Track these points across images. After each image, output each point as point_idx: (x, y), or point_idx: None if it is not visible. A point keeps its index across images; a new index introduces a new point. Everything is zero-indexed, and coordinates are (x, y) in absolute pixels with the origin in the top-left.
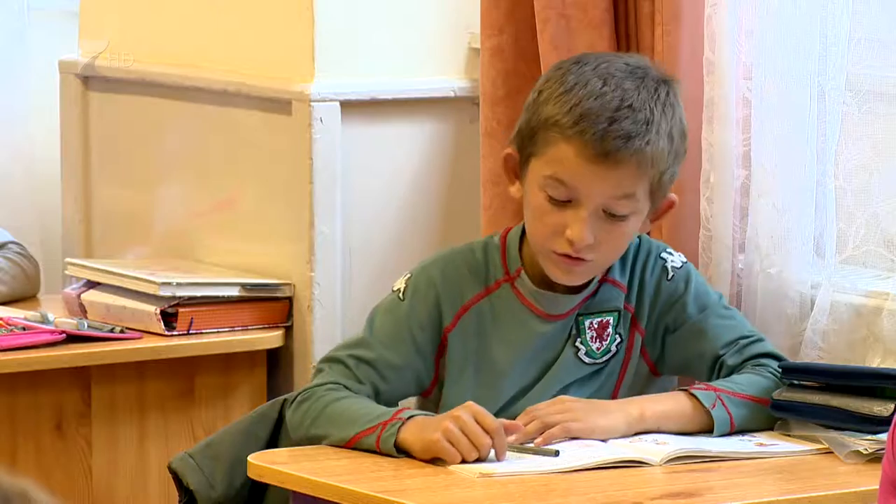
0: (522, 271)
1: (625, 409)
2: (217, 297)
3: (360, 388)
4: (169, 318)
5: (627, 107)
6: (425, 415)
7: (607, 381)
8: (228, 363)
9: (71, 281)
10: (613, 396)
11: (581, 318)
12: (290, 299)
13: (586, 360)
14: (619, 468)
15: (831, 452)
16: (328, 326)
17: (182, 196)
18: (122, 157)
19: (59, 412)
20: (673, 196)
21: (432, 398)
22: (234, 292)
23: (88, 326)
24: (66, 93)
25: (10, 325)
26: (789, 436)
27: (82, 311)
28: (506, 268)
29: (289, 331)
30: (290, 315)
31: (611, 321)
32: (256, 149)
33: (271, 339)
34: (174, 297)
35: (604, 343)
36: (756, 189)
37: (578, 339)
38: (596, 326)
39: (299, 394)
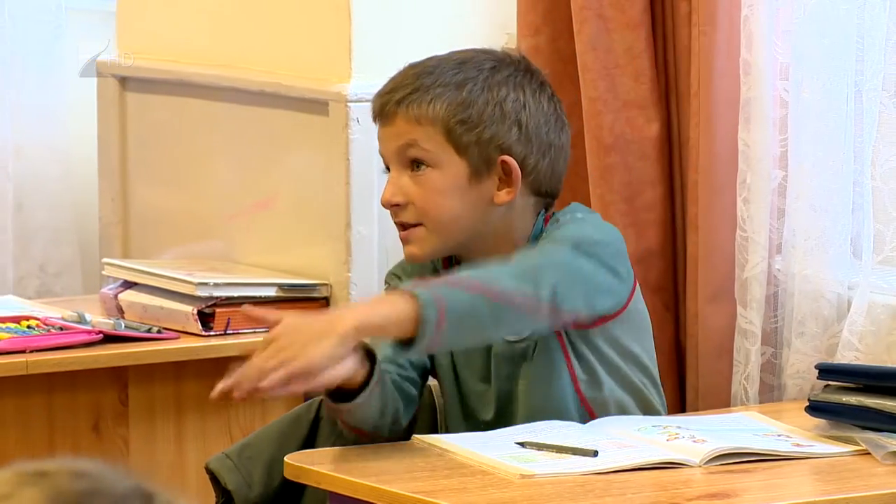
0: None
1: (336, 328)
2: (254, 297)
3: None
4: (206, 319)
5: (414, 75)
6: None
7: (548, 354)
8: None
9: (108, 281)
10: (567, 362)
11: None
12: (326, 299)
13: (511, 336)
14: (657, 469)
15: (868, 453)
16: None
17: (219, 196)
18: (159, 158)
19: (97, 412)
20: (507, 159)
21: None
22: (271, 293)
23: (125, 326)
24: (103, 93)
25: (47, 325)
26: (826, 437)
27: (119, 311)
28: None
29: None
30: None
31: None
32: (293, 149)
33: None
34: (211, 298)
35: None
36: (793, 190)
37: None
38: None
39: None
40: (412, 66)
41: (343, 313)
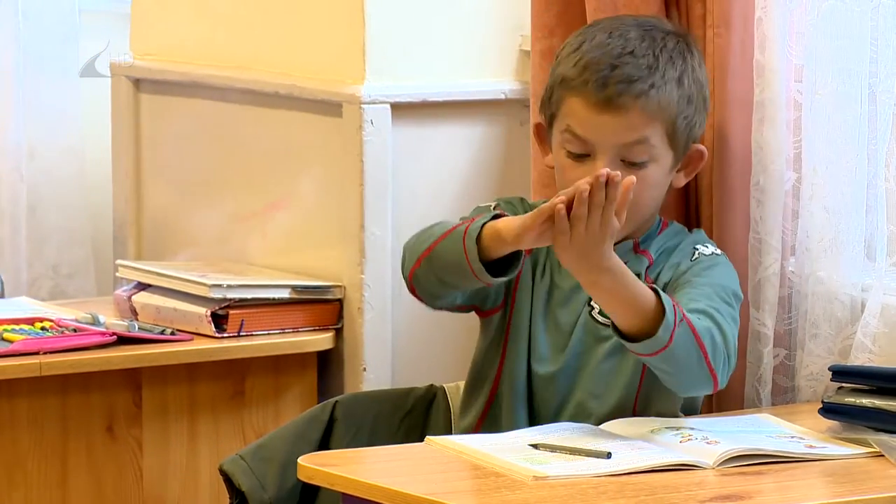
0: None
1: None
2: (267, 299)
3: None
4: (219, 320)
5: (629, 53)
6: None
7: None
8: (279, 365)
9: (122, 283)
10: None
11: None
12: (340, 301)
13: (600, 318)
14: (670, 471)
15: (882, 455)
16: (378, 328)
17: (232, 198)
18: (172, 160)
19: (110, 414)
20: (701, 147)
21: (492, 321)
22: (285, 294)
23: (139, 328)
24: (117, 95)
25: (61, 326)
26: (839, 438)
27: (133, 312)
28: None
29: (339, 333)
30: (340, 317)
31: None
32: (307, 151)
33: (322, 341)
34: (225, 299)
35: None
36: (806, 191)
37: (593, 300)
38: None
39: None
40: (626, 50)
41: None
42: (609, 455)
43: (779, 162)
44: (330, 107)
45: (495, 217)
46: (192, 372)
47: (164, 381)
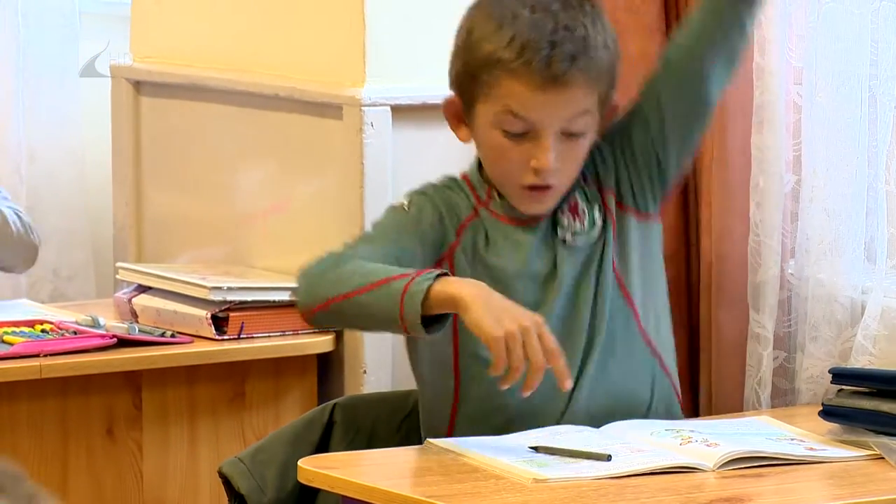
0: (493, 192)
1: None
2: (268, 301)
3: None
4: (220, 323)
5: (563, 28)
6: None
7: (606, 250)
8: (279, 368)
9: (122, 285)
10: (622, 257)
11: (555, 216)
12: None
13: (578, 241)
14: (670, 473)
15: (882, 458)
16: None
17: (233, 200)
18: (173, 162)
19: (110, 416)
20: (617, 101)
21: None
22: (285, 297)
23: (139, 330)
24: (117, 97)
25: (61, 328)
26: (840, 441)
27: (133, 315)
28: (476, 196)
29: (339, 336)
30: None
31: (577, 196)
32: (307, 153)
33: (322, 343)
34: (225, 302)
35: (583, 219)
36: (806, 194)
37: (559, 230)
38: (567, 209)
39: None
40: (560, 25)
41: None
42: (609, 457)
43: (778, 164)
44: (330, 109)
45: (441, 275)
46: (193, 374)
47: (165, 383)
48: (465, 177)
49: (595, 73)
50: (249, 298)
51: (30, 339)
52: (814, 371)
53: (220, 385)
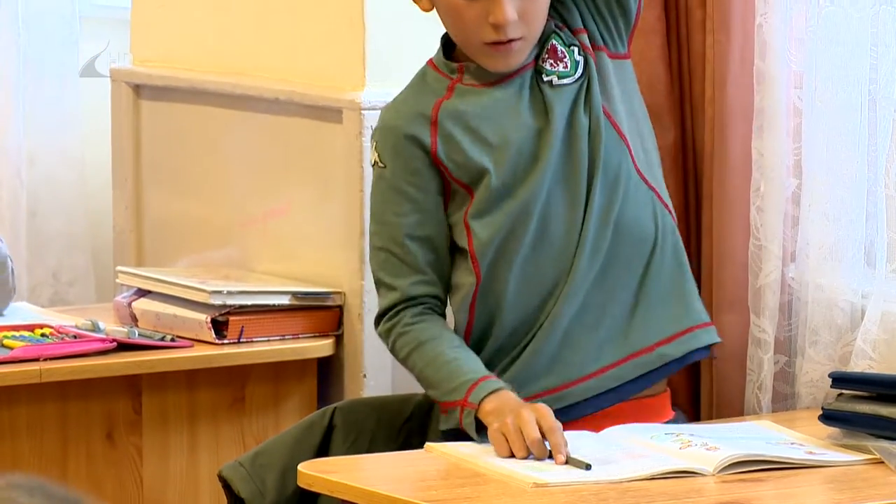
0: (462, 67)
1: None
2: (267, 305)
3: (424, 291)
4: (219, 327)
5: None
6: (500, 388)
7: (591, 86)
8: (279, 372)
9: (122, 289)
10: (606, 95)
11: (537, 64)
12: (340, 308)
13: (566, 81)
14: (671, 478)
15: (882, 462)
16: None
17: (233, 204)
18: (172, 166)
19: (110, 420)
20: None
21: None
22: (285, 301)
23: (139, 335)
24: (117, 101)
25: (61, 332)
26: (840, 445)
27: (133, 319)
28: (447, 76)
29: (339, 339)
30: (340, 324)
31: (554, 41)
32: (307, 157)
33: (322, 347)
34: (225, 306)
35: (565, 60)
36: (806, 198)
37: (544, 75)
38: (546, 56)
39: (381, 321)
40: None
41: None
42: (588, 467)
43: (779, 169)
44: (330, 112)
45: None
46: (192, 379)
47: (164, 387)
48: (430, 62)
49: None
50: (249, 302)
51: (30, 344)
52: (814, 375)
53: (220, 389)
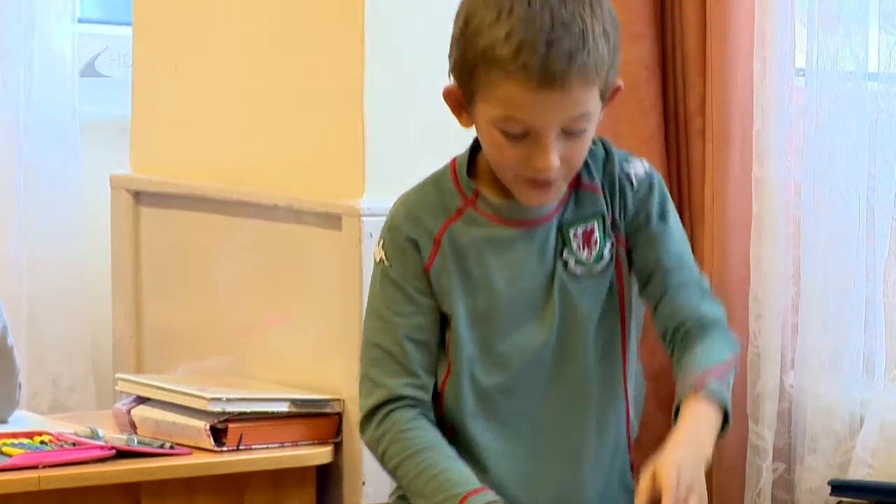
0: (479, 192)
1: (703, 449)
2: (266, 412)
3: (413, 394)
4: (218, 434)
5: (561, 24)
6: (493, 501)
7: (611, 290)
8: (278, 479)
9: (121, 396)
10: (621, 308)
11: (566, 228)
12: (339, 415)
13: (578, 270)
14: None
15: None
16: None
17: (232, 311)
18: (172, 273)
19: None
20: (619, 83)
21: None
22: (284, 408)
23: (138, 442)
24: (117, 207)
25: (60, 440)
26: None
27: (132, 426)
28: (462, 194)
29: (338, 447)
30: (339, 431)
31: (595, 226)
32: (307, 263)
33: (321, 455)
34: (224, 413)
35: (593, 250)
36: (805, 306)
37: (565, 251)
38: (581, 234)
39: (370, 426)
40: (558, 21)
41: (703, 440)
42: None
43: (777, 276)
44: (329, 219)
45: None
46: (192, 486)
47: (164, 495)
48: (453, 164)
49: (594, 67)
50: (248, 409)
51: (28, 451)
52: (813, 483)
53: (220, 497)
